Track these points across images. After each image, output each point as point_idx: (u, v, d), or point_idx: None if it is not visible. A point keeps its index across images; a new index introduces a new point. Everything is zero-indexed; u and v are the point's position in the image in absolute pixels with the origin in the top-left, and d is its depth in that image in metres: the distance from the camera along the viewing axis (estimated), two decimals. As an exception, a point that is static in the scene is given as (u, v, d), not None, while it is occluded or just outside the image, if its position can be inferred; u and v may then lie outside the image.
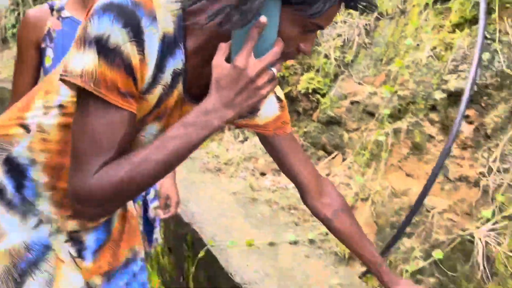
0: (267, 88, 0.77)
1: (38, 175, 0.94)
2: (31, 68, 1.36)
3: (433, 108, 1.68)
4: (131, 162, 0.77)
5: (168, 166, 0.79)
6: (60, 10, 1.35)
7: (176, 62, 0.83)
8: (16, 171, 0.94)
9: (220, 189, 2.54)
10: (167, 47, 0.81)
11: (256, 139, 2.96)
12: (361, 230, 1.09)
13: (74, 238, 1.05)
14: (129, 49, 0.74)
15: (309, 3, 0.73)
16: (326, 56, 2.49)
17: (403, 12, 2.17)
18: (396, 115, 1.90)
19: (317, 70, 2.53)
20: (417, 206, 1.40)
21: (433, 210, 1.56)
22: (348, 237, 1.07)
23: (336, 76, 2.48)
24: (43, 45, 1.34)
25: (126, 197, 0.81)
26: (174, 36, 0.81)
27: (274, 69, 0.76)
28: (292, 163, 1.06)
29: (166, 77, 0.83)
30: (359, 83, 2.30)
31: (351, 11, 2.50)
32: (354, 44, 2.39)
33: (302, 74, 2.62)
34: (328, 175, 2.35)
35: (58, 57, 1.33)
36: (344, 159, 2.32)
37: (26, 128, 0.93)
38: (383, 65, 2.16)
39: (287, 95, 2.75)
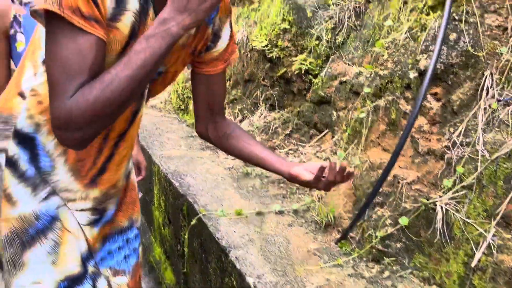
0: None
1: (46, 139, 0.99)
2: (5, 59, 1.41)
3: (408, 86, 1.79)
4: (102, 81, 0.81)
5: (138, 80, 0.82)
6: None
7: None
8: (26, 142, 0.99)
9: (216, 164, 2.68)
10: None
11: (253, 119, 3.09)
12: (254, 138, 1.21)
13: (99, 208, 1.11)
14: None
15: None
16: (318, 38, 2.59)
17: (388, -5, 2.25)
18: (377, 94, 2.01)
19: (310, 52, 2.64)
20: (383, 176, 1.52)
21: (403, 181, 1.68)
22: (251, 150, 1.17)
23: (327, 57, 2.58)
24: (11, 32, 1.38)
25: (104, 116, 0.84)
26: None
27: None
28: (211, 99, 1.17)
29: (133, 4, 0.88)
30: (348, 64, 2.40)
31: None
32: (345, 27, 2.48)
33: (296, 56, 2.73)
34: (317, 152, 2.47)
35: (28, 38, 1.37)
36: (333, 137, 2.43)
37: (22, 95, 0.98)
38: (370, 46, 2.25)
39: (282, 76, 2.87)
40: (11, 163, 1.00)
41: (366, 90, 1.98)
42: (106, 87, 0.81)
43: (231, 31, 1.14)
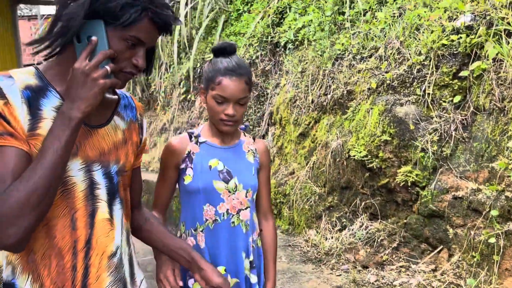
0: (102, 80, 1.00)
1: (22, 282, 1.06)
2: (170, 184, 1.61)
3: (546, 213, 1.67)
4: (23, 177, 0.94)
5: (55, 167, 0.97)
6: (197, 136, 1.58)
7: (52, 100, 1.06)
8: None
9: (322, 281, 2.59)
10: (35, 93, 1.05)
11: (354, 228, 3.01)
12: (167, 229, 1.34)
13: None
14: None
15: (118, 17, 1.00)
16: (423, 150, 2.55)
17: (502, 110, 2.20)
18: (505, 216, 1.90)
19: (415, 163, 2.59)
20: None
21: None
22: (158, 236, 1.32)
23: (434, 169, 2.51)
24: (182, 166, 1.56)
25: (33, 207, 0.95)
26: (41, 85, 1.06)
27: (107, 67, 1.00)
28: (132, 187, 1.30)
29: (48, 113, 1.04)
30: (460, 178, 2.32)
31: (445, 104, 2.57)
32: (452, 139, 2.44)
33: (399, 167, 2.69)
34: (435, 270, 2.32)
35: (196, 175, 1.54)
36: (450, 255, 2.29)
37: None
38: (485, 161, 2.17)
39: (384, 186, 2.82)
40: None
41: (494, 213, 1.88)
42: (27, 180, 0.94)
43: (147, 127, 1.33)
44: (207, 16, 5.56)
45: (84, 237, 1.11)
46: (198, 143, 1.56)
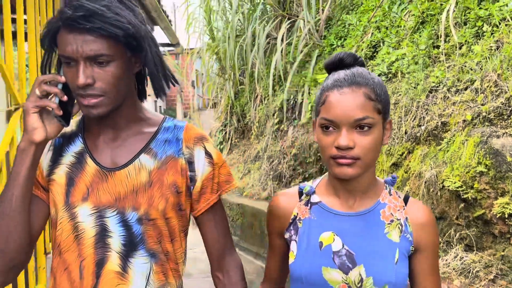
0: (27, 102, 1.00)
1: None
2: (278, 255, 1.18)
3: None
4: None
5: (2, 201, 1.00)
6: (309, 193, 1.10)
7: (76, 146, 1.11)
8: None
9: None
10: (65, 140, 1.11)
11: (448, 258, 3.02)
12: None
13: None
14: None
15: (42, 43, 1.04)
16: (521, 182, 2.55)
17: None
18: None
19: (513, 195, 2.59)
20: None
21: None
22: None
23: (534, 201, 2.50)
24: (286, 236, 1.11)
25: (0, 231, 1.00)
26: (75, 132, 1.12)
27: (37, 89, 1.00)
28: (207, 237, 1.18)
29: (67, 158, 1.09)
30: (562, 211, 2.29)
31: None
32: (553, 171, 2.42)
33: (495, 198, 2.69)
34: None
35: (300, 255, 1.04)
36: (551, 289, 2.25)
37: None
38: None
39: (480, 217, 2.82)
40: None
41: None
42: None
43: (211, 158, 1.15)
44: (301, 51, 5.88)
45: (89, 286, 1.05)
46: (309, 204, 1.07)
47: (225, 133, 8.07)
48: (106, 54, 0.98)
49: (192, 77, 13.89)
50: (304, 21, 5.81)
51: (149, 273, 1.06)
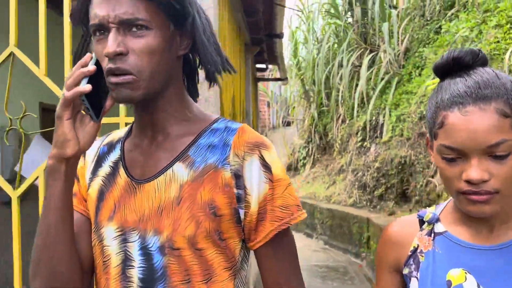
0: (58, 107, 0.78)
1: None
2: None
3: None
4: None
5: (42, 227, 0.82)
6: (432, 221, 0.88)
7: (114, 154, 0.90)
8: None
9: None
10: (110, 148, 0.92)
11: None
12: None
13: None
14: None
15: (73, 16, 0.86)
16: None
17: None
18: None
19: None
20: None
21: None
22: None
23: None
24: (405, 271, 0.89)
25: (35, 269, 0.83)
26: (121, 138, 0.92)
27: (65, 90, 0.78)
28: (266, 279, 0.87)
29: (104, 169, 0.90)
30: None
31: None
32: None
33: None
34: None
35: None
36: None
37: None
38: None
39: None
40: None
41: None
42: (35, 244, 0.84)
43: (269, 172, 0.84)
44: (382, 78, 6.85)
45: None
46: (433, 235, 0.87)
47: (308, 149, 9.14)
48: (142, 19, 0.79)
49: (268, 98, 15.14)
50: (384, 53, 6.78)
51: None
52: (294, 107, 10.66)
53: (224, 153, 0.84)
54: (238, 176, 0.82)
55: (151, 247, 0.82)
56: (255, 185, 0.83)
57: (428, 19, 6.68)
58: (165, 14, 0.82)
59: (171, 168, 0.85)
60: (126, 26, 0.80)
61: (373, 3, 6.98)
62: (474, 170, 0.73)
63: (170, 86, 0.87)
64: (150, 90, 0.83)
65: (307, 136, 9.28)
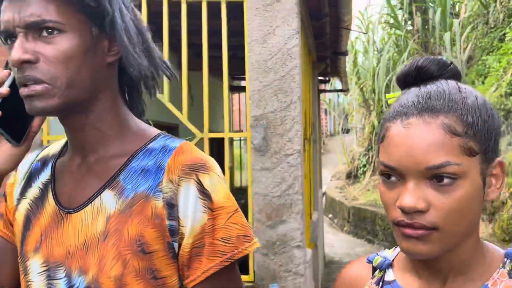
0: None
1: None
2: None
3: None
4: None
5: None
6: (382, 268, 0.73)
7: (45, 174, 0.79)
8: None
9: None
10: (43, 165, 0.81)
11: None
12: None
13: None
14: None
15: None
16: None
17: None
18: None
19: None
20: None
21: None
22: None
23: None
24: None
25: None
26: (55, 154, 0.81)
27: None
28: None
29: (34, 190, 0.79)
30: None
31: None
32: None
33: None
34: None
35: None
36: None
37: None
38: None
39: None
40: None
41: None
42: None
43: (209, 199, 0.71)
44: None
45: None
46: (381, 283, 0.72)
47: (368, 157, 9.25)
48: (52, 20, 0.68)
49: (326, 105, 15.27)
50: (447, 61, 6.82)
51: None
52: (353, 115, 10.80)
53: (157, 178, 0.72)
54: (171, 206, 0.70)
55: (77, 287, 0.71)
56: (190, 215, 0.70)
57: (492, 26, 6.64)
58: (83, 15, 0.72)
59: (99, 196, 0.73)
60: (35, 30, 0.70)
61: (434, 12, 7.04)
62: (408, 195, 0.58)
63: (101, 98, 0.76)
64: (69, 100, 0.71)
65: (367, 144, 9.40)
